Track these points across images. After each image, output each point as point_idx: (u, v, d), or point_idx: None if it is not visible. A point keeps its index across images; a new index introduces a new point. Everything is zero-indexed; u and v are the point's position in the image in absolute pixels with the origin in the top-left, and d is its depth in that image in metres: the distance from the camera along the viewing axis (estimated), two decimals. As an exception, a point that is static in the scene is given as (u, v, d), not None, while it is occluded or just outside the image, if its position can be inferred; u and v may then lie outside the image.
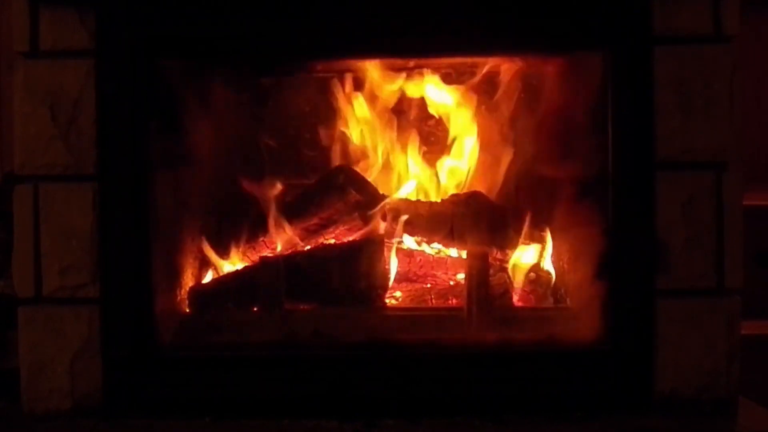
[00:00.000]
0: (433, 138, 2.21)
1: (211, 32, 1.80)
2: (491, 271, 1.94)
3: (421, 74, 2.12)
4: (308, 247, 2.08)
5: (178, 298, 1.98)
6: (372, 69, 2.08)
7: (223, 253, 2.09)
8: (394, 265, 2.05)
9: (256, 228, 2.10)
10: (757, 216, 2.20)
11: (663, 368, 1.77)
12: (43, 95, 1.78)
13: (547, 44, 1.82)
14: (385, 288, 2.00)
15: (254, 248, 2.10)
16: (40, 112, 1.78)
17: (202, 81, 2.03)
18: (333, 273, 1.98)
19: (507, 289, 1.99)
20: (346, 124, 2.19)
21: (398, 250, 2.06)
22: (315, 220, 2.09)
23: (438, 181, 2.18)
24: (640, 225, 1.76)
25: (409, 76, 2.12)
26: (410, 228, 2.06)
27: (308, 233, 2.10)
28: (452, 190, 2.15)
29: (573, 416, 1.75)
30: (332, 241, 2.11)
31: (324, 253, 2.03)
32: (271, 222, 2.05)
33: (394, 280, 2.05)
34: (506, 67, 2.08)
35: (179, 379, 1.80)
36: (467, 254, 1.95)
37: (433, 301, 2.04)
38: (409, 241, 2.10)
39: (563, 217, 1.95)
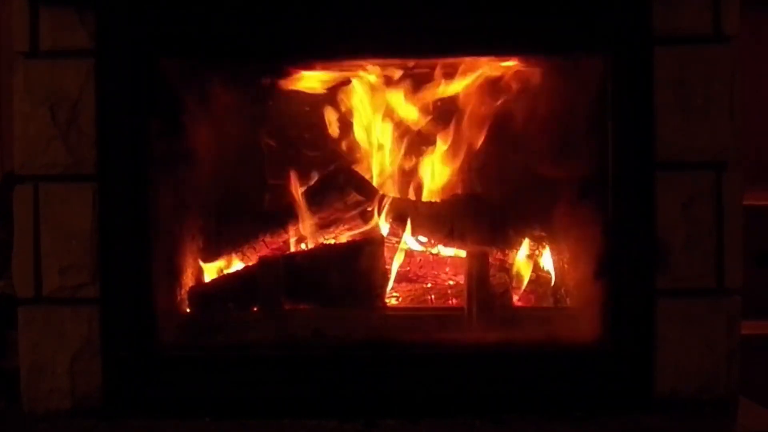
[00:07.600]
0: (433, 138, 2.21)
1: (210, 32, 1.80)
2: (491, 271, 1.94)
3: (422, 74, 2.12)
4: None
5: (178, 298, 1.98)
6: (371, 69, 2.08)
7: (223, 253, 2.09)
8: (394, 265, 2.05)
9: (256, 227, 2.10)
10: (757, 216, 2.20)
11: (663, 368, 1.77)
12: (43, 95, 1.78)
13: (547, 45, 1.82)
14: (385, 288, 2.00)
15: (254, 248, 2.10)
16: (40, 112, 1.78)
17: (203, 81, 2.03)
18: (333, 273, 1.97)
19: (507, 289, 1.99)
20: (347, 125, 2.19)
21: (398, 250, 2.06)
22: (315, 220, 2.09)
23: (437, 181, 2.18)
24: (640, 225, 1.76)
25: (409, 76, 2.12)
26: (410, 228, 2.06)
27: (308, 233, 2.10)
28: (452, 190, 2.15)
29: (573, 416, 1.75)
30: (332, 241, 2.11)
31: (324, 253, 2.03)
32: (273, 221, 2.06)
33: (395, 280, 2.05)
34: (506, 68, 2.08)
35: (179, 379, 1.80)
36: (467, 254, 1.95)
37: (433, 301, 2.04)
38: (410, 241, 2.10)
39: (563, 216, 1.95)
